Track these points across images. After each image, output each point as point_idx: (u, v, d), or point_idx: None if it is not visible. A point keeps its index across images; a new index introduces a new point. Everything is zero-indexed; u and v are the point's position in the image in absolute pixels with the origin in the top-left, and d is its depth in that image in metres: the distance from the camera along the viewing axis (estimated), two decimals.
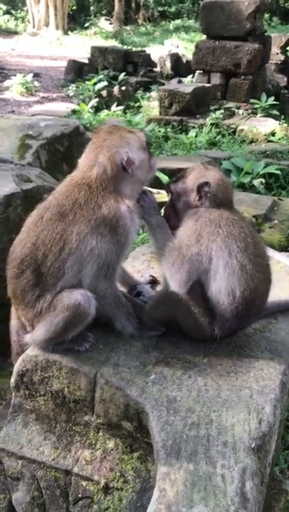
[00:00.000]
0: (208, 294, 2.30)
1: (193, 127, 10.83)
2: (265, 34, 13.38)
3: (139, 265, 3.20)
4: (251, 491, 1.78)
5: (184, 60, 16.64)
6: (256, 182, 7.62)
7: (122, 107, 12.47)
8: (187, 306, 2.31)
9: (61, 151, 5.96)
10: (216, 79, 12.63)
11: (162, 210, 2.62)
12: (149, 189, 2.64)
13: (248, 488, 1.79)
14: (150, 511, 1.71)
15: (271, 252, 3.45)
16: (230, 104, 12.21)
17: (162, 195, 6.40)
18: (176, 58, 16.56)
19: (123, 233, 2.29)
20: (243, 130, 10.69)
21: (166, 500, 1.74)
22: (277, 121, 11.25)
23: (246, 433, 1.98)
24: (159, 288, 2.75)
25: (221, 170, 2.59)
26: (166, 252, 2.32)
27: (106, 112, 12.26)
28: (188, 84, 13.41)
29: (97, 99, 12.81)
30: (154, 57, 17.35)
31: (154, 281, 2.91)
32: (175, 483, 1.80)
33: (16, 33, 28.92)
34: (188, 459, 1.88)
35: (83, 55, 19.44)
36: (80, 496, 2.27)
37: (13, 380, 2.43)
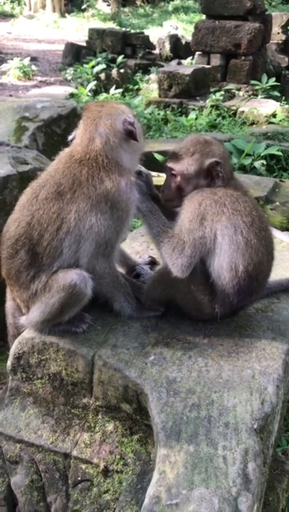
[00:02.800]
0: (209, 269, 2.23)
1: (193, 109, 10.67)
2: (266, 13, 13.09)
3: (138, 246, 3.13)
4: (254, 472, 1.73)
5: (184, 42, 16.33)
6: (257, 164, 7.51)
7: (120, 90, 12.28)
8: (186, 285, 2.25)
9: (58, 133, 5.85)
10: (216, 60, 12.40)
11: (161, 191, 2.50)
12: (145, 170, 2.51)
13: (250, 469, 1.74)
14: (150, 494, 1.66)
15: (274, 232, 3.38)
16: (231, 86, 12.02)
17: (161, 179, 6.32)
18: (175, 40, 16.26)
19: (124, 209, 2.22)
20: (243, 112, 10.53)
21: (166, 483, 1.69)
22: (278, 103, 11.08)
23: (248, 414, 1.93)
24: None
25: (217, 141, 2.45)
26: (165, 238, 2.23)
27: (104, 95, 12.07)
28: (188, 65, 13.17)
29: (95, 83, 12.61)
30: (153, 39, 17.02)
31: (153, 262, 2.84)
32: (175, 465, 1.75)
33: (12, 16, 28.40)
34: (189, 440, 1.83)
35: (81, 38, 19.10)
36: (79, 478, 2.23)
37: (9, 363, 2.38)
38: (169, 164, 2.36)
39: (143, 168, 2.48)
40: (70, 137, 2.38)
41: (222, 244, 2.18)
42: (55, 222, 2.19)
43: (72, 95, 11.96)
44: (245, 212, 2.22)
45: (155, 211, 2.33)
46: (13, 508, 2.43)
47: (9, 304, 2.46)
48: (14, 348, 2.35)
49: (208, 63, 12.43)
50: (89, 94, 11.99)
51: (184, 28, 21.07)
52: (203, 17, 12.94)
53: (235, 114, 10.63)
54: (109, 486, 2.17)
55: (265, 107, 10.69)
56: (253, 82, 11.90)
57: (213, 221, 2.18)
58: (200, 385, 2.06)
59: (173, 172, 2.34)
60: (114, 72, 13.84)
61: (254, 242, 2.20)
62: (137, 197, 2.27)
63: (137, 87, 13.48)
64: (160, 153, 6.84)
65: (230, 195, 2.24)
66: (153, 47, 16.86)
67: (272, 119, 10.25)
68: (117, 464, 2.17)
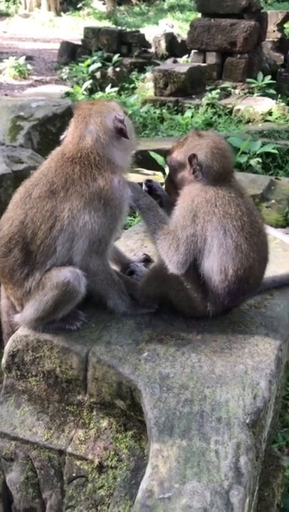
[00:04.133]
0: (199, 270, 2.24)
1: (189, 108, 10.67)
2: (262, 11, 13.10)
3: (133, 244, 3.14)
4: (246, 466, 1.75)
5: (179, 40, 16.32)
6: (253, 162, 7.53)
7: (116, 89, 12.27)
8: (179, 282, 2.26)
9: (53, 132, 5.86)
10: (212, 58, 12.40)
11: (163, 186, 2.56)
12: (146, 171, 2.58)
13: (242, 463, 1.76)
14: (142, 488, 1.68)
15: (268, 229, 3.40)
16: (227, 84, 12.02)
17: (158, 177, 6.33)
18: (170, 38, 16.24)
19: (118, 206, 2.23)
20: (239, 110, 10.54)
21: (159, 477, 1.71)
22: (274, 101, 11.09)
23: (241, 408, 1.95)
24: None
25: (219, 135, 2.45)
26: (161, 235, 2.25)
27: (100, 93, 12.06)
28: (184, 64, 13.17)
29: (91, 81, 12.60)
30: (149, 38, 17.01)
31: (147, 260, 2.85)
32: (168, 459, 1.77)
33: (7, 15, 28.34)
34: (182, 435, 1.85)
35: (76, 37, 19.07)
36: (74, 475, 2.25)
37: (4, 360, 2.39)
38: (167, 156, 2.43)
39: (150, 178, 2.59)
40: (62, 136, 2.39)
41: (212, 246, 2.19)
42: (49, 221, 2.20)
43: (67, 94, 11.94)
44: (235, 216, 2.20)
45: (153, 207, 2.34)
46: (9, 505, 2.45)
47: (3, 302, 2.47)
48: (8, 346, 2.36)
49: (204, 61, 12.43)
50: (85, 93, 11.99)
51: (179, 26, 21.06)
52: (199, 15, 12.95)
53: (231, 112, 10.64)
54: (104, 482, 2.18)
55: (261, 104, 10.70)
56: (248, 80, 11.89)
57: (204, 220, 2.19)
58: (193, 380, 2.07)
59: (167, 164, 2.42)
60: (109, 70, 13.82)
61: (244, 247, 2.20)
62: (130, 194, 2.28)
63: (132, 85, 13.47)
64: (156, 151, 6.85)
65: (222, 197, 2.22)
66: (149, 45, 16.85)
67: (268, 117, 10.27)
68: (112, 459, 2.18)
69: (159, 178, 5.82)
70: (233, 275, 2.20)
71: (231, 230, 2.19)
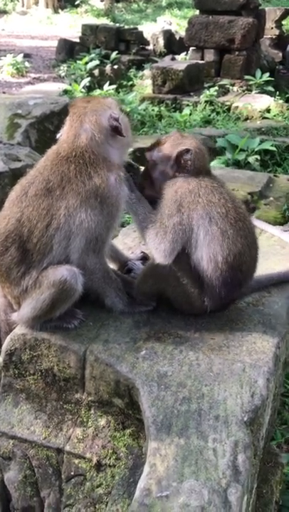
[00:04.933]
0: (192, 263, 2.25)
1: (187, 105, 10.66)
2: (260, 8, 13.07)
3: (130, 242, 3.13)
4: (243, 464, 1.75)
5: (177, 37, 16.31)
6: (251, 159, 7.53)
7: (114, 86, 12.25)
8: (175, 278, 2.26)
9: (51, 129, 5.85)
10: (210, 55, 12.39)
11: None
12: (133, 163, 2.55)
13: (240, 461, 1.75)
14: (140, 486, 1.68)
15: (264, 226, 3.40)
16: (225, 81, 12.01)
17: None
18: (169, 35, 16.22)
19: (114, 204, 2.23)
20: (237, 107, 10.54)
21: (157, 475, 1.70)
22: (273, 98, 11.09)
23: (238, 406, 1.95)
24: None
25: (196, 138, 2.51)
26: (149, 224, 2.27)
27: (98, 91, 12.04)
28: (182, 61, 13.14)
29: (89, 79, 12.58)
30: (147, 35, 16.98)
31: (145, 258, 2.84)
32: (166, 458, 1.76)
33: (5, 12, 28.27)
34: (179, 433, 1.84)
35: (74, 34, 19.02)
36: (72, 473, 2.25)
37: (1, 359, 2.38)
38: (146, 150, 2.45)
39: (132, 162, 2.50)
40: (58, 135, 2.38)
41: (198, 234, 2.22)
42: (45, 219, 2.19)
43: (65, 92, 11.93)
44: (219, 203, 2.25)
45: (142, 200, 2.37)
46: (7, 504, 2.44)
47: (0, 301, 2.46)
48: (6, 345, 2.35)
49: (202, 59, 12.41)
50: (83, 90, 11.96)
51: (177, 23, 21.02)
52: (197, 12, 12.91)
53: (229, 109, 10.64)
54: (102, 480, 2.18)
55: (259, 102, 10.70)
56: (247, 77, 11.89)
57: (189, 209, 2.22)
58: (191, 378, 2.07)
59: (146, 157, 2.43)
60: (107, 68, 13.80)
61: (230, 232, 2.23)
62: (126, 192, 2.28)
63: (130, 83, 13.46)
64: None
65: (205, 186, 2.28)
66: (147, 42, 16.82)
67: (267, 114, 10.27)
68: (110, 458, 2.18)
69: None
70: (223, 262, 2.22)
71: (216, 217, 2.22)
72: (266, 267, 2.73)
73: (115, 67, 14.04)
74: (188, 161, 2.30)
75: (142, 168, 2.65)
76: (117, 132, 2.26)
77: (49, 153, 2.33)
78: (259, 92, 11.58)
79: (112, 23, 20.29)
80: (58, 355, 2.26)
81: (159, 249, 2.22)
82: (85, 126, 2.25)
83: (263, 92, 11.65)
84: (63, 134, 2.32)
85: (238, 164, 7.47)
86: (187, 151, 2.29)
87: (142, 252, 2.88)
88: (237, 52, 12.16)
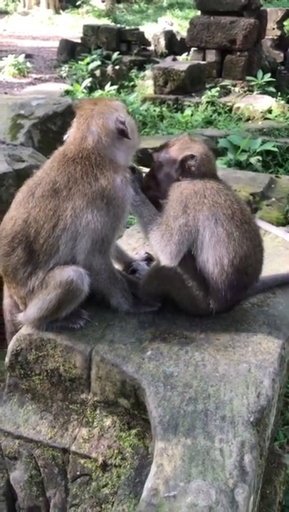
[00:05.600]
0: (198, 265, 2.25)
1: (189, 106, 10.67)
2: (261, 9, 13.08)
3: (135, 243, 3.14)
4: (250, 464, 1.76)
5: (179, 38, 16.29)
6: (253, 160, 7.53)
7: (116, 87, 12.25)
8: (181, 280, 2.27)
9: (54, 130, 5.85)
10: (212, 56, 12.39)
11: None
12: (138, 167, 2.57)
13: (246, 461, 1.76)
14: (148, 486, 1.68)
15: (268, 227, 3.40)
16: (226, 82, 12.01)
17: None
18: (170, 36, 16.21)
19: (120, 205, 2.24)
20: (239, 108, 10.54)
21: (164, 475, 1.71)
22: (274, 99, 11.09)
23: (244, 407, 1.95)
24: None
25: (205, 142, 2.53)
26: (154, 226, 2.27)
27: (100, 91, 12.05)
28: (183, 62, 13.14)
29: (90, 79, 12.58)
30: (148, 36, 16.97)
31: (149, 259, 2.85)
32: (173, 458, 1.77)
33: (6, 12, 28.29)
34: (186, 433, 1.85)
35: (75, 35, 19.02)
36: (78, 473, 2.25)
37: (7, 359, 2.39)
38: (154, 151, 2.46)
39: (134, 165, 2.51)
40: (65, 137, 2.39)
41: (204, 236, 2.22)
42: (52, 220, 2.20)
43: (67, 92, 11.93)
44: (225, 205, 2.25)
45: (147, 202, 2.38)
46: (13, 503, 2.45)
47: (6, 301, 2.47)
48: (12, 345, 2.36)
49: (204, 59, 12.42)
50: (84, 91, 11.96)
51: (179, 24, 21.03)
52: (198, 13, 12.92)
53: (230, 110, 10.64)
54: (108, 480, 2.19)
55: (261, 102, 10.70)
56: (248, 78, 11.89)
57: (195, 210, 2.23)
58: (197, 379, 2.08)
59: (153, 158, 2.44)
60: (109, 68, 13.80)
61: (236, 234, 2.23)
62: (132, 193, 2.29)
63: (132, 83, 13.46)
64: None
65: (210, 188, 2.28)
66: (148, 43, 16.82)
67: (268, 115, 10.27)
68: (116, 458, 2.19)
69: None
70: (229, 265, 2.22)
71: (222, 219, 2.23)
72: (271, 268, 2.74)
73: (117, 67, 14.04)
74: (192, 166, 2.31)
75: (145, 171, 2.67)
76: (124, 135, 2.27)
77: (56, 155, 2.34)
78: (260, 93, 11.58)
79: (113, 24, 20.29)
80: (63, 356, 2.27)
81: (165, 252, 2.22)
82: (92, 128, 2.26)
83: (265, 92, 11.66)
84: (70, 136, 2.33)
85: (239, 165, 7.48)
86: (192, 156, 2.30)
87: (147, 252, 2.89)
88: (238, 53, 12.16)
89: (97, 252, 2.26)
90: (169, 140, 2.47)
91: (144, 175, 2.53)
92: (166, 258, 2.23)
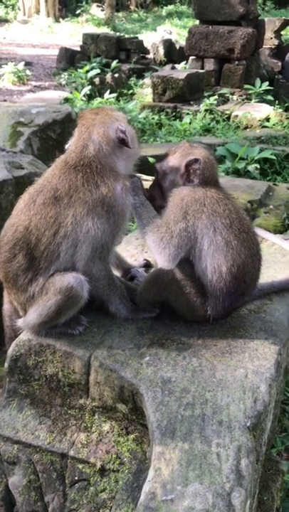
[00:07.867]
0: (196, 272, 2.28)
1: (187, 114, 10.75)
2: (259, 18, 13.22)
3: (133, 249, 3.17)
4: (247, 469, 1.78)
5: (177, 47, 16.45)
6: (251, 167, 7.59)
7: (115, 95, 12.35)
8: (178, 287, 2.30)
9: (53, 138, 5.90)
10: (210, 64, 12.49)
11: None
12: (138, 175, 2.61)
13: (243, 465, 1.79)
14: (145, 490, 1.70)
15: (265, 234, 3.44)
16: (225, 90, 12.11)
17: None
18: (169, 44, 16.37)
19: (120, 213, 2.27)
20: (237, 116, 10.62)
21: (162, 479, 1.73)
22: (272, 107, 11.18)
23: (241, 412, 1.98)
24: None
25: (206, 148, 2.56)
26: (154, 228, 2.30)
27: (99, 99, 12.14)
28: (182, 70, 13.27)
29: (89, 87, 12.68)
30: (147, 44, 17.15)
31: (148, 265, 2.89)
32: (170, 462, 1.79)
33: (6, 21, 28.53)
34: (183, 438, 1.87)
35: (75, 43, 19.21)
36: (76, 478, 2.27)
37: (6, 365, 2.41)
38: (156, 162, 2.50)
39: (134, 174, 2.56)
40: (66, 146, 2.43)
41: (202, 244, 2.25)
42: (53, 227, 2.23)
43: (66, 100, 12.01)
44: (224, 214, 2.28)
45: (147, 205, 2.41)
46: (11, 508, 2.46)
47: (6, 307, 2.50)
48: (11, 350, 2.38)
49: (202, 68, 12.52)
50: (83, 98, 12.05)
51: (177, 32, 21.23)
52: (197, 22, 13.04)
53: (229, 118, 10.72)
54: (106, 485, 2.20)
55: (259, 111, 10.79)
56: (246, 86, 11.99)
57: (194, 217, 2.26)
58: (194, 384, 2.10)
59: (156, 168, 2.48)
60: (108, 76, 13.91)
61: (235, 243, 2.26)
62: (132, 201, 2.33)
63: (131, 91, 13.56)
64: (154, 157, 6.89)
65: (210, 197, 2.31)
66: (147, 52, 16.98)
67: (266, 123, 10.35)
68: (114, 463, 2.21)
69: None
70: (227, 273, 2.25)
71: (220, 228, 2.26)
72: (268, 275, 2.78)
73: (116, 75, 14.16)
74: (197, 170, 2.34)
75: (144, 176, 2.70)
76: (124, 144, 2.32)
77: (57, 163, 2.38)
78: (258, 101, 11.68)
79: (112, 32, 20.47)
80: (62, 361, 2.29)
81: (163, 254, 2.25)
82: (93, 137, 2.30)
83: (263, 101, 11.76)
84: (72, 145, 2.37)
85: (237, 173, 7.54)
86: (196, 160, 2.34)
87: (145, 259, 2.93)
88: (237, 62, 12.27)
89: (97, 259, 2.29)
90: (169, 149, 2.51)
91: (142, 182, 2.57)
92: (164, 260, 2.25)
